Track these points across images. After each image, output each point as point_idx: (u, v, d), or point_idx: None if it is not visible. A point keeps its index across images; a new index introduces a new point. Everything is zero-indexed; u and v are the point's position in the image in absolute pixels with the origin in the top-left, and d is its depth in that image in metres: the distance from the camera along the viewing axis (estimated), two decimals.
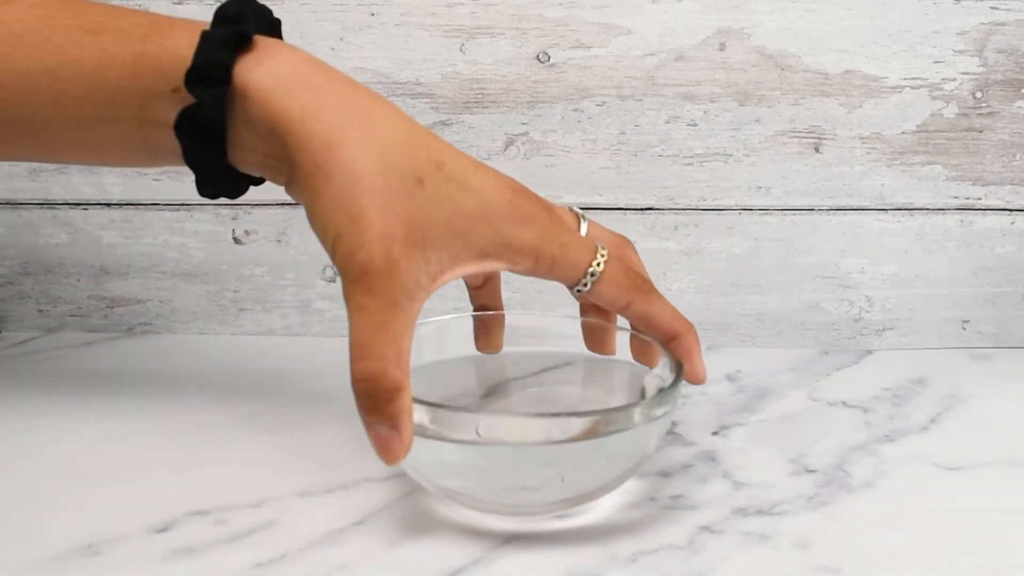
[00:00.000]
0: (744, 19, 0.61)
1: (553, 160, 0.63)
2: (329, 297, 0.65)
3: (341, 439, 0.49)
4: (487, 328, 0.49)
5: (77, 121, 0.40)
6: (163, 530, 0.40)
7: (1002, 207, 0.64)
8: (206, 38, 0.38)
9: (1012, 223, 0.64)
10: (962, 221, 0.64)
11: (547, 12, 0.61)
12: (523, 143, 0.63)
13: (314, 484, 0.44)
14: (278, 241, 0.64)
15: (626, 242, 0.46)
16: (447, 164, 0.39)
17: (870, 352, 0.65)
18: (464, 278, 0.46)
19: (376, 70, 0.62)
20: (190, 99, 0.38)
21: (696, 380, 0.43)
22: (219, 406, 0.53)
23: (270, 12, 0.42)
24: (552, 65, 0.62)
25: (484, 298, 0.49)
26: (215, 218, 0.64)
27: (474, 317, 0.48)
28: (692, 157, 0.63)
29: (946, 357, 0.64)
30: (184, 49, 0.38)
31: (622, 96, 0.62)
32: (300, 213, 0.63)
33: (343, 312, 0.65)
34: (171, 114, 0.39)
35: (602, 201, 0.63)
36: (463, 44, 0.61)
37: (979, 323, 0.65)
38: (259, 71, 0.38)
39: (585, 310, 0.47)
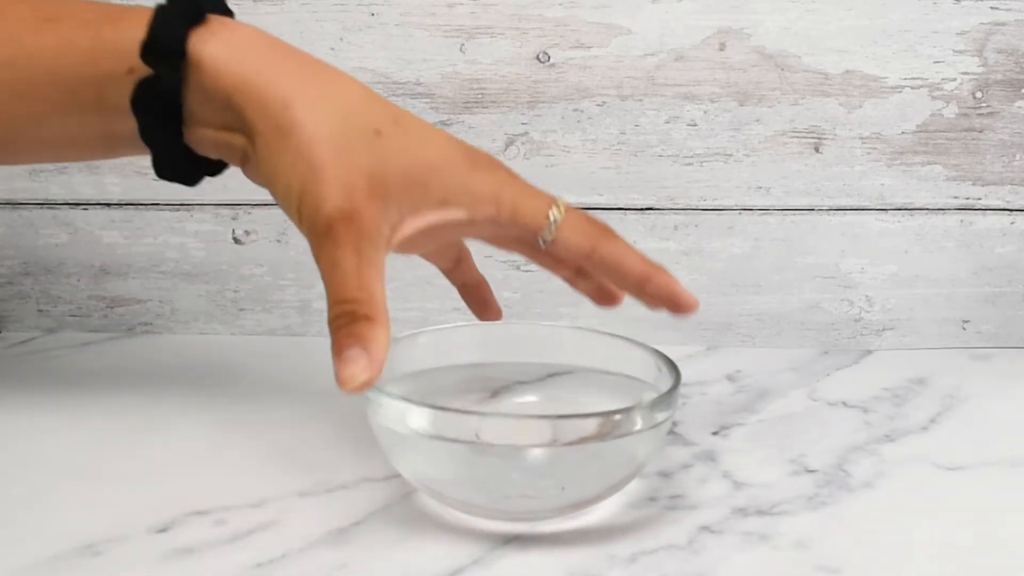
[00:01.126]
0: (744, 19, 0.61)
1: (553, 160, 0.63)
2: None
3: (341, 439, 0.49)
4: (479, 296, 0.48)
5: (37, 114, 0.40)
6: (163, 530, 0.40)
7: (1002, 207, 0.64)
8: (160, 12, 0.39)
9: (1012, 223, 0.64)
10: (962, 221, 0.64)
11: (547, 12, 0.61)
12: (523, 143, 0.63)
13: (314, 484, 0.44)
14: (278, 241, 0.64)
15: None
16: (403, 118, 0.40)
17: (870, 352, 0.65)
18: (434, 258, 0.46)
19: (376, 70, 0.62)
20: (145, 72, 0.39)
21: (689, 307, 0.42)
22: (219, 406, 0.53)
23: (223, 0, 0.42)
24: (552, 65, 0.62)
25: (463, 276, 0.49)
26: (215, 218, 0.64)
27: (462, 289, 0.48)
28: (692, 157, 0.63)
29: (946, 357, 0.64)
30: (139, 31, 0.39)
31: (622, 96, 0.62)
32: None
33: None
34: (128, 97, 0.39)
35: (602, 201, 0.63)
36: (463, 44, 0.61)
37: (979, 323, 0.65)
38: (213, 43, 0.39)
39: (550, 268, 0.46)
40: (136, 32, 0.39)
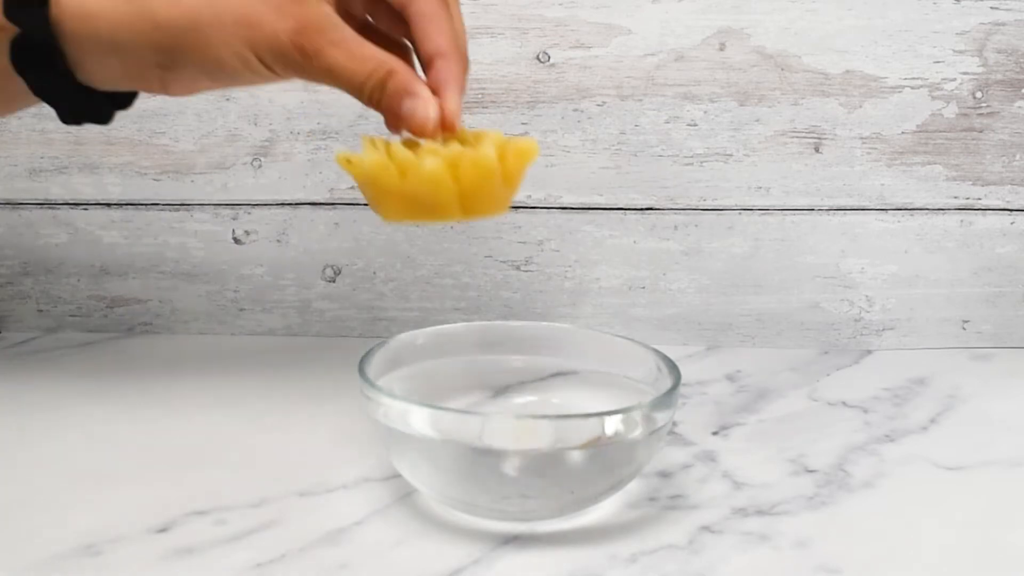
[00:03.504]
0: (744, 19, 0.61)
1: (553, 160, 0.63)
2: (329, 297, 0.65)
3: (341, 439, 0.49)
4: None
5: None
6: (163, 530, 0.40)
7: (1002, 207, 0.64)
8: None
9: (1012, 223, 0.64)
10: (962, 221, 0.64)
11: (547, 12, 0.61)
12: None
13: (314, 484, 0.44)
14: (278, 241, 0.64)
15: None
16: None
17: (870, 352, 0.65)
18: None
19: None
20: (15, 30, 0.39)
21: (448, 121, 0.40)
22: (219, 406, 0.53)
23: None
24: (552, 65, 0.62)
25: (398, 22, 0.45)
26: (215, 218, 0.64)
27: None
28: (692, 157, 0.63)
29: (946, 357, 0.64)
30: None
31: (622, 96, 0.62)
32: (300, 213, 0.63)
33: (343, 312, 0.66)
34: (7, 57, 0.39)
35: (602, 201, 0.63)
36: None
37: (979, 323, 0.65)
38: None
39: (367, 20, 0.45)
40: None
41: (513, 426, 0.40)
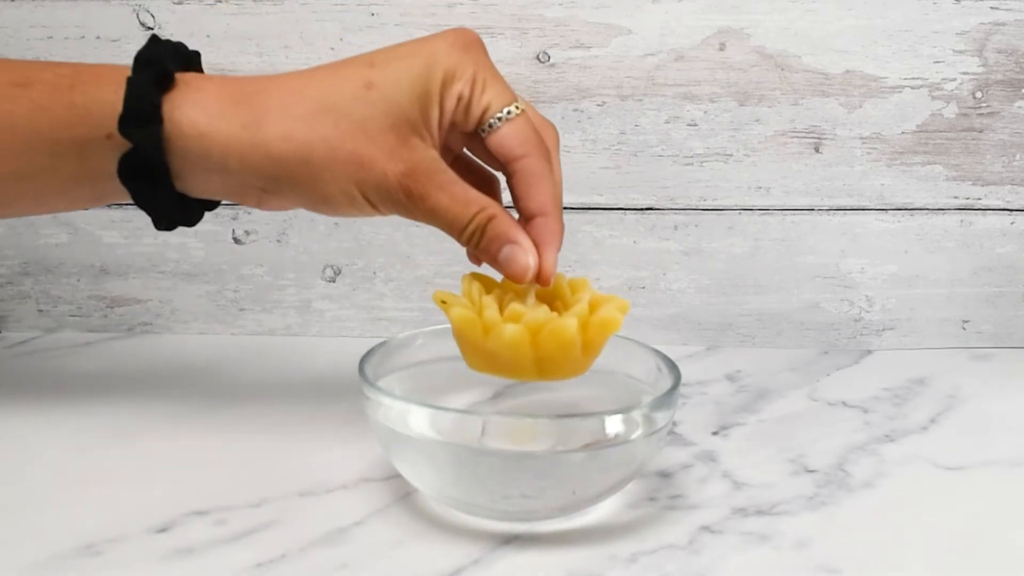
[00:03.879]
0: (744, 19, 0.61)
1: None
2: (329, 297, 0.65)
3: (341, 439, 0.49)
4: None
5: (18, 173, 0.41)
6: (163, 530, 0.40)
7: (1002, 207, 0.64)
8: (132, 83, 0.40)
9: (1012, 223, 0.64)
10: (962, 221, 0.64)
11: (547, 12, 0.61)
12: None
13: (314, 484, 0.44)
14: (278, 241, 0.64)
15: (551, 126, 0.45)
16: (376, 57, 0.41)
17: (870, 352, 0.65)
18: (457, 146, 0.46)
19: None
20: (126, 144, 0.40)
21: (544, 278, 0.42)
22: (219, 406, 0.53)
23: (185, 47, 0.43)
24: (552, 65, 0.62)
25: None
26: (215, 218, 0.64)
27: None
28: (692, 157, 0.63)
29: (946, 357, 0.64)
30: (111, 95, 0.40)
31: (622, 96, 0.62)
32: (300, 213, 0.63)
33: (343, 312, 0.66)
34: (111, 160, 0.40)
35: (602, 201, 0.63)
36: None
37: (979, 323, 0.65)
38: (187, 107, 0.40)
39: (464, 165, 0.47)
40: (107, 96, 0.40)
41: (513, 426, 0.40)
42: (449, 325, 0.43)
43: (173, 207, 0.42)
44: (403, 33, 0.61)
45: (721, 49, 0.61)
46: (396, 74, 0.40)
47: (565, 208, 0.63)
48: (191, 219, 0.44)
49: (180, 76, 0.41)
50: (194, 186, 0.41)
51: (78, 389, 0.55)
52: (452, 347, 0.45)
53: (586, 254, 0.64)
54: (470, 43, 0.42)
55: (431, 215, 0.41)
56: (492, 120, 0.41)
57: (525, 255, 0.41)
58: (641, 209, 0.64)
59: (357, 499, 0.43)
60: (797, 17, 0.61)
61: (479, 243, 0.41)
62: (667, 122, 0.62)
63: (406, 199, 0.40)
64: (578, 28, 0.61)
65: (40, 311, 0.66)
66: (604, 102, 0.62)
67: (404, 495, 0.43)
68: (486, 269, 0.44)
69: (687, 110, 0.62)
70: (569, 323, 0.39)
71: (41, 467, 0.46)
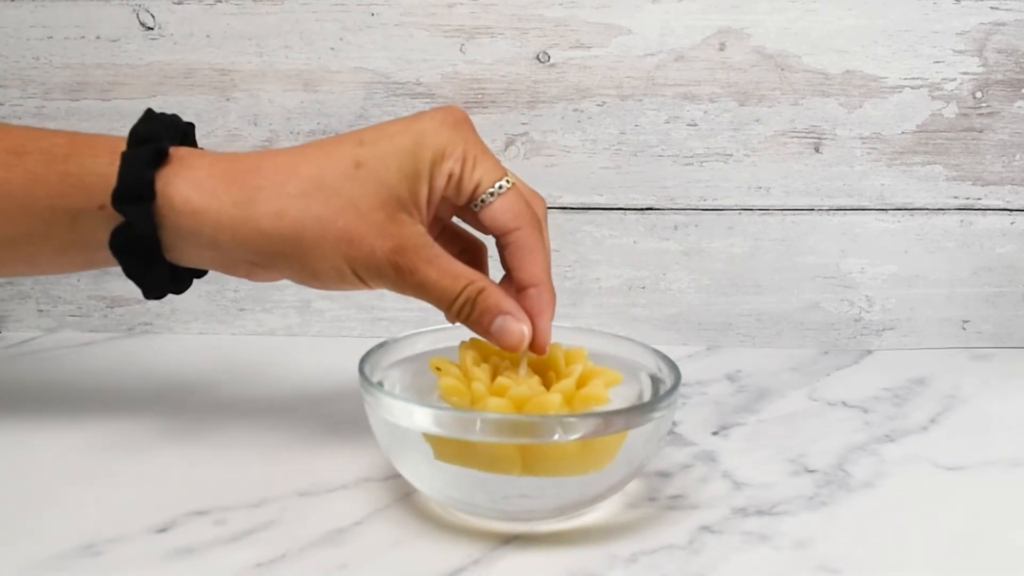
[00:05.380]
0: (744, 19, 0.61)
1: (553, 160, 0.63)
2: (329, 297, 0.65)
3: (341, 439, 0.49)
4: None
5: (12, 238, 0.42)
6: (163, 530, 0.40)
7: (1002, 207, 0.64)
8: (127, 158, 0.40)
9: (1012, 223, 0.64)
10: (962, 221, 0.64)
11: (547, 12, 0.61)
12: (523, 143, 0.63)
13: (314, 484, 0.44)
14: None
15: (539, 197, 0.46)
16: (364, 135, 0.42)
17: (870, 352, 0.65)
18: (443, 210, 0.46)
19: (376, 70, 0.62)
20: (118, 217, 0.40)
21: (539, 346, 0.42)
22: (219, 406, 0.53)
23: (179, 119, 0.44)
24: (552, 65, 0.62)
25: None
26: None
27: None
28: (692, 157, 0.63)
29: (946, 357, 0.64)
30: (105, 167, 0.41)
31: (622, 96, 0.62)
32: None
33: (343, 312, 0.66)
34: (103, 230, 0.41)
35: (602, 201, 0.63)
36: (463, 44, 0.61)
37: (979, 323, 0.65)
38: (179, 183, 0.41)
39: (453, 238, 0.47)
40: (102, 168, 0.41)
41: (512, 425, 0.40)
42: (449, 325, 0.43)
43: (163, 279, 0.43)
44: (403, 33, 0.61)
45: (721, 49, 0.61)
46: (385, 153, 0.41)
47: (565, 208, 0.64)
48: (180, 289, 0.44)
49: (174, 151, 0.42)
50: (184, 258, 0.42)
51: (78, 389, 0.55)
52: (452, 347, 0.45)
53: (586, 254, 0.64)
54: (459, 121, 0.42)
55: (420, 289, 0.41)
56: (484, 196, 0.42)
57: (518, 324, 0.41)
58: (641, 209, 0.64)
59: (357, 499, 0.43)
60: (797, 17, 0.61)
61: (470, 315, 0.42)
62: (667, 122, 0.62)
63: (395, 274, 0.41)
64: (578, 28, 0.61)
65: (40, 311, 0.66)
66: (604, 102, 0.62)
67: (404, 495, 0.43)
68: None
69: (687, 110, 0.62)
70: (552, 399, 0.39)
71: (41, 467, 0.46)
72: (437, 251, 0.42)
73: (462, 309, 0.42)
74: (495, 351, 0.43)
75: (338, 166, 0.41)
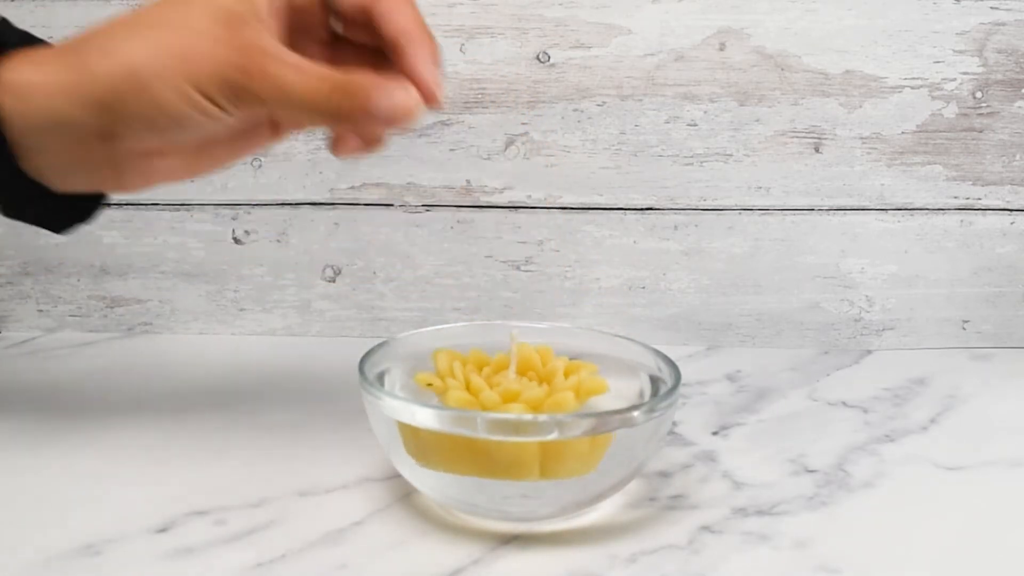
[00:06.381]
0: (744, 19, 0.61)
1: (553, 160, 0.63)
2: (329, 297, 0.65)
3: (341, 439, 0.49)
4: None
5: None
6: (163, 530, 0.40)
7: (1002, 207, 0.64)
8: None
9: (1012, 223, 0.64)
10: (962, 221, 0.64)
11: (547, 12, 0.61)
12: (523, 143, 0.63)
13: (314, 484, 0.44)
14: (278, 241, 0.64)
15: None
16: None
17: (870, 352, 0.65)
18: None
19: None
20: None
21: (428, 97, 0.39)
22: (219, 406, 0.53)
23: (34, 36, 0.43)
24: (552, 65, 0.62)
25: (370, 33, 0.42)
26: (215, 218, 0.64)
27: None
28: (692, 157, 0.63)
29: (946, 357, 0.64)
30: None
31: (622, 96, 0.62)
32: (300, 213, 0.63)
33: (343, 312, 0.66)
34: None
35: (602, 201, 0.63)
36: (463, 44, 0.61)
37: (979, 323, 0.65)
38: (19, 66, 0.39)
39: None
40: None
41: (514, 425, 0.40)
42: (449, 325, 0.43)
43: (19, 188, 0.41)
44: None
45: (721, 49, 0.61)
46: None
47: (565, 208, 0.64)
48: (54, 216, 0.42)
49: (19, 51, 0.40)
50: (38, 159, 0.40)
51: (78, 389, 0.55)
52: (452, 347, 0.45)
53: (586, 254, 0.64)
54: None
55: (280, 93, 0.37)
56: None
57: (400, 88, 0.37)
58: (641, 209, 0.64)
59: (357, 499, 0.43)
60: (797, 17, 0.61)
61: (345, 106, 0.37)
62: (667, 122, 0.62)
63: (246, 80, 0.37)
64: (578, 28, 0.61)
65: (40, 311, 0.66)
66: (604, 102, 0.62)
67: (404, 495, 0.43)
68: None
69: (687, 110, 0.62)
70: (567, 396, 0.39)
71: (41, 467, 0.46)
72: (292, 56, 0.38)
73: (338, 105, 0.37)
74: (471, 359, 0.43)
75: (165, 4, 0.39)
